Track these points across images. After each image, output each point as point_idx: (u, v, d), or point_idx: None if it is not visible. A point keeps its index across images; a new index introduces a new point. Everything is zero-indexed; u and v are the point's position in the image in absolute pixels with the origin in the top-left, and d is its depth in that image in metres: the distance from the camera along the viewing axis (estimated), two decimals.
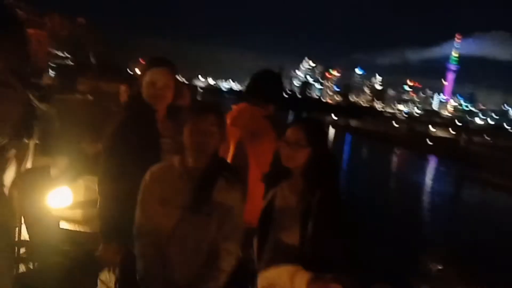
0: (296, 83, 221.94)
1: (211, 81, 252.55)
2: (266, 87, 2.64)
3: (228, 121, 2.42)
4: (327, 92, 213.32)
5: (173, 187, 1.85)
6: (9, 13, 0.72)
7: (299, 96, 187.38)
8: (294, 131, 1.89)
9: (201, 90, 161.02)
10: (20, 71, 0.66)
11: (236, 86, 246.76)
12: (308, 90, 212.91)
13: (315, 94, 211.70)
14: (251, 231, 2.10)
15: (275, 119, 2.63)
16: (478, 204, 28.99)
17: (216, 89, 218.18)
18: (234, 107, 2.64)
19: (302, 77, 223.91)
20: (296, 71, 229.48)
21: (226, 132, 1.96)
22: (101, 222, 2.18)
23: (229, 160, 2.44)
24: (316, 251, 1.77)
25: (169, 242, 1.82)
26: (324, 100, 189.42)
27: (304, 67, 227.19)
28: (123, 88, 3.49)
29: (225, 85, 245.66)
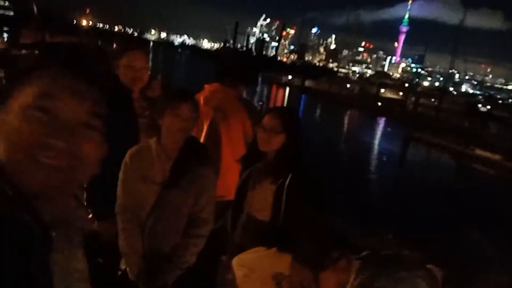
0: (252, 40, 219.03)
1: (163, 34, 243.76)
2: (238, 69, 2.74)
3: (202, 101, 2.55)
4: (283, 51, 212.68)
5: (152, 165, 2.00)
6: (88, 52, 0.75)
7: (255, 54, 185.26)
8: (271, 118, 2.04)
9: (152, 44, 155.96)
10: (101, 115, 0.70)
11: (188, 40, 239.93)
12: (264, 48, 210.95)
13: (271, 52, 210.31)
14: (224, 204, 2.30)
15: (247, 100, 2.79)
16: (422, 163, 30.82)
17: (167, 43, 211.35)
18: (206, 87, 2.72)
19: (258, 34, 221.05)
20: (253, 28, 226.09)
21: (199, 116, 2.12)
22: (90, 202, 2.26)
23: (202, 138, 2.58)
24: (285, 228, 1.95)
25: (151, 215, 1.99)
26: (280, 59, 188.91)
27: (261, 24, 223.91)
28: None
29: (177, 39, 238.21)
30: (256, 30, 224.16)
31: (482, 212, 14.82)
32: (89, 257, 0.80)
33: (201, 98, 2.60)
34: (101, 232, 2.26)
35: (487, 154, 32.21)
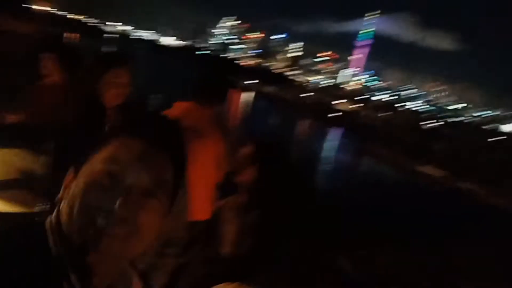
0: (215, 41, 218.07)
1: (122, 27, 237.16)
2: (213, 87, 2.60)
3: (175, 118, 2.38)
4: (245, 54, 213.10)
5: None
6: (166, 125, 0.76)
7: (217, 55, 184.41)
8: (246, 149, 2.01)
9: (108, 36, 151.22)
10: (169, 185, 0.69)
11: (147, 36, 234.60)
12: (226, 50, 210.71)
13: (234, 54, 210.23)
14: (190, 225, 2.22)
15: (222, 121, 2.64)
16: (371, 175, 31.86)
17: (126, 36, 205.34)
18: (179, 104, 2.56)
19: (222, 35, 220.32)
20: (218, 28, 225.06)
21: None
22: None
23: None
24: (244, 269, 1.89)
25: None
26: (242, 62, 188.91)
27: (225, 26, 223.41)
28: (47, 56, 3.17)
29: (137, 33, 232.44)
30: (220, 30, 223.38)
31: (427, 227, 15.48)
32: None
33: (173, 114, 2.44)
34: None
35: (433, 170, 33.84)
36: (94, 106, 2.21)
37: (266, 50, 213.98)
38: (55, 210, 0.70)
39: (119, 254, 0.69)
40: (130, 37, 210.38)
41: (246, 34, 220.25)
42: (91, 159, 0.70)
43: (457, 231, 15.82)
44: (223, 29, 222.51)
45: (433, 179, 32.06)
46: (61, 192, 0.72)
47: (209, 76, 2.68)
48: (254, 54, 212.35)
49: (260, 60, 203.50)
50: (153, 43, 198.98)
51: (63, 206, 0.69)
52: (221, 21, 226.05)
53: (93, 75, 2.27)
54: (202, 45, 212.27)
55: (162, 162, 0.71)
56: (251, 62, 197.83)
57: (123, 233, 0.66)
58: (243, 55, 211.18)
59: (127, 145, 0.70)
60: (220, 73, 2.71)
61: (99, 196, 0.65)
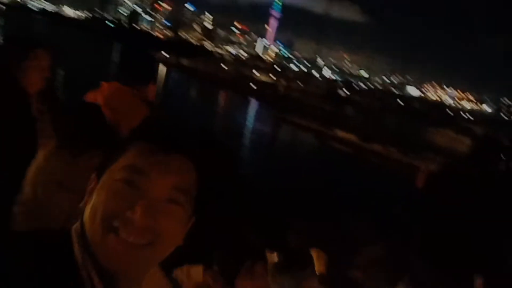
0: (122, 11, 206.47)
1: None
2: (140, 67, 2.42)
3: (101, 100, 2.20)
4: (156, 26, 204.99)
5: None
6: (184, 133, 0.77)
7: (127, 27, 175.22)
8: None
9: (3, 7, 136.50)
10: (190, 190, 0.69)
11: (50, 7, 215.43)
12: (136, 21, 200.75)
13: (143, 26, 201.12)
14: None
15: (151, 102, 2.41)
16: (290, 143, 33.08)
17: (23, 7, 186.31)
18: (104, 84, 2.38)
19: (129, 5, 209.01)
20: None
21: None
22: None
23: None
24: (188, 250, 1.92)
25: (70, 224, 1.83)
26: (154, 34, 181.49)
27: None
28: None
29: (35, 3, 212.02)
30: (127, 0, 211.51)
31: (345, 189, 16.51)
32: None
33: (99, 96, 2.22)
34: None
35: (345, 135, 35.97)
36: (14, 93, 2.04)
37: (177, 22, 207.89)
38: (80, 217, 0.71)
39: (142, 262, 0.68)
40: (28, 7, 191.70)
41: (156, 4, 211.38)
42: (111, 167, 0.70)
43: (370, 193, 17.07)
44: None
45: (346, 143, 34.11)
46: (85, 198, 0.72)
47: (132, 54, 2.55)
48: (164, 26, 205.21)
49: (172, 32, 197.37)
50: (54, 15, 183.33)
51: (87, 212, 0.69)
52: None
53: (10, 59, 2.08)
54: (110, 16, 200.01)
55: (183, 168, 0.70)
56: (163, 34, 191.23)
57: (145, 242, 0.66)
58: (153, 27, 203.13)
59: (146, 152, 0.69)
60: (143, 50, 2.60)
61: (120, 205, 0.65)
